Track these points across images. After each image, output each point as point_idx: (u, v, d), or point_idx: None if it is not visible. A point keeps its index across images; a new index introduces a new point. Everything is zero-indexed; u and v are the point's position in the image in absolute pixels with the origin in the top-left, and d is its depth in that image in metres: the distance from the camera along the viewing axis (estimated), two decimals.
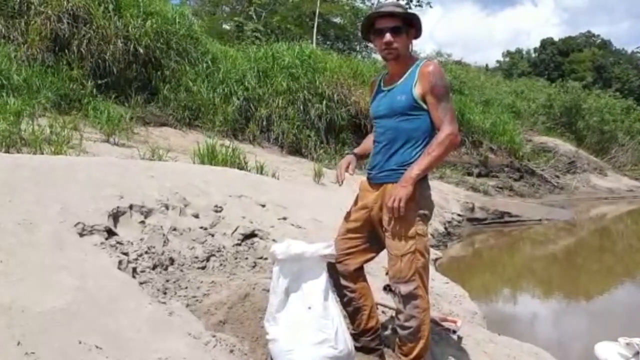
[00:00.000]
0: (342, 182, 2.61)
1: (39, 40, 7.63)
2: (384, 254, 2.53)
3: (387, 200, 2.37)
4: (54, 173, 3.52)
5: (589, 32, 53.52)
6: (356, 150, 2.79)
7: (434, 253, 5.69)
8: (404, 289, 2.39)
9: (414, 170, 2.35)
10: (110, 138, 6.55)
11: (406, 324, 2.42)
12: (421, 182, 2.39)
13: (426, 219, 2.44)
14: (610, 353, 2.95)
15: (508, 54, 53.39)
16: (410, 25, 2.45)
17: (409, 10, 2.58)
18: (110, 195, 3.38)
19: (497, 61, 51.80)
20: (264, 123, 10.13)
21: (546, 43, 49.66)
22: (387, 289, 2.47)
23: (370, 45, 9.19)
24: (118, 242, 2.99)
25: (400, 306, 2.43)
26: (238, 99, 9.76)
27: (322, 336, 2.33)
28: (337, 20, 22.55)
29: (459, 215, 9.38)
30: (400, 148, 2.44)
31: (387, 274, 2.51)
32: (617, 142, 23.40)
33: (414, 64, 2.45)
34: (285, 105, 10.34)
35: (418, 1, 21.92)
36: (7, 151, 4.84)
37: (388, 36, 2.41)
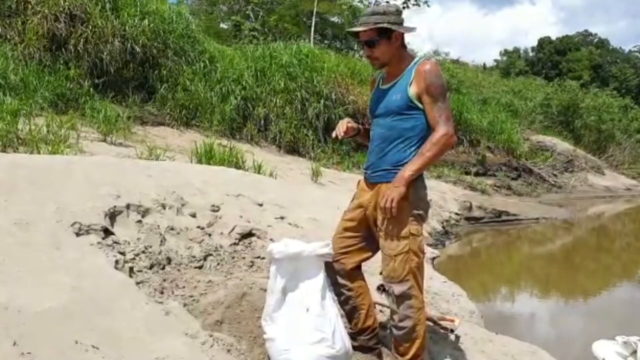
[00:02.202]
0: (339, 135, 2.56)
1: (36, 40, 7.62)
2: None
3: (380, 200, 2.37)
4: (51, 172, 3.51)
5: (586, 31, 53.76)
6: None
7: (431, 252, 5.68)
8: (398, 289, 2.38)
9: (407, 171, 2.34)
10: (108, 137, 6.54)
11: (401, 324, 2.41)
12: (416, 181, 2.38)
13: (421, 219, 2.43)
14: (608, 351, 2.95)
15: (506, 52, 53.44)
16: (390, 30, 2.39)
17: (407, 9, 2.57)
18: (107, 194, 3.37)
19: (495, 60, 51.85)
20: (262, 122, 10.14)
21: (544, 42, 49.72)
22: (381, 288, 2.46)
23: None
24: (115, 242, 2.98)
25: (394, 306, 2.43)
26: (235, 98, 9.75)
27: (319, 335, 2.32)
28: (335, 19, 22.54)
29: (456, 214, 9.39)
30: (395, 147, 2.43)
31: (381, 273, 2.50)
32: (614, 140, 23.47)
33: (411, 62, 2.44)
34: (282, 105, 10.34)
35: (415, 0, 21.89)
36: (4, 150, 4.83)
37: (365, 50, 2.47)
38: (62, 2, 7.88)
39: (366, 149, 2.63)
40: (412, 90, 2.37)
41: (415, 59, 2.46)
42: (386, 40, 2.41)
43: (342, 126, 2.56)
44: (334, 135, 2.58)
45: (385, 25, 2.38)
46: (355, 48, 22.82)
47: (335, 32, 22.45)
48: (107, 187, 3.46)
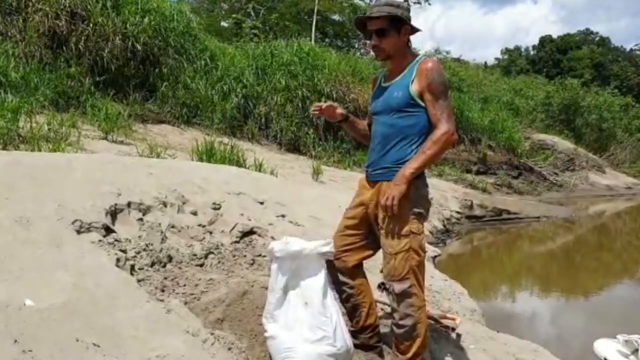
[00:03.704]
0: (317, 109, 2.65)
1: (36, 38, 7.61)
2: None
3: (380, 198, 2.36)
4: (52, 170, 3.51)
5: (587, 29, 53.68)
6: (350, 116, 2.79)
7: (433, 250, 5.69)
8: (398, 287, 2.38)
9: (408, 169, 2.33)
10: (109, 135, 6.54)
11: (401, 322, 2.41)
12: (417, 180, 2.38)
13: (421, 217, 2.42)
14: (609, 350, 2.96)
15: (507, 51, 53.38)
16: (401, 23, 2.42)
17: (407, 7, 2.56)
18: (108, 192, 3.37)
19: (496, 58, 51.79)
20: (263, 120, 10.15)
21: (545, 40, 49.63)
22: (382, 287, 2.46)
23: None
24: (116, 240, 2.98)
25: (394, 305, 2.42)
26: (236, 96, 9.75)
27: (320, 333, 2.32)
28: (336, 17, 22.53)
29: (457, 212, 9.38)
30: (396, 145, 2.43)
31: (381, 271, 2.49)
32: (615, 139, 23.48)
33: (413, 60, 2.44)
34: (283, 103, 10.34)
35: None
36: (4, 148, 4.83)
37: (374, 39, 2.44)
38: (62, 0, 7.87)
39: (367, 147, 2.63)
40: (414, 88, 2.37)
41: (417, 57, 2.46)
42: (396, 32, 2.41)
43: (321, 104, 2.66)
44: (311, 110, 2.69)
45: (399, 14, 2.39)
46: (357, 46, 22.85)
47: (337, 30, 22.46)
48: (108, 185, 3.46)
